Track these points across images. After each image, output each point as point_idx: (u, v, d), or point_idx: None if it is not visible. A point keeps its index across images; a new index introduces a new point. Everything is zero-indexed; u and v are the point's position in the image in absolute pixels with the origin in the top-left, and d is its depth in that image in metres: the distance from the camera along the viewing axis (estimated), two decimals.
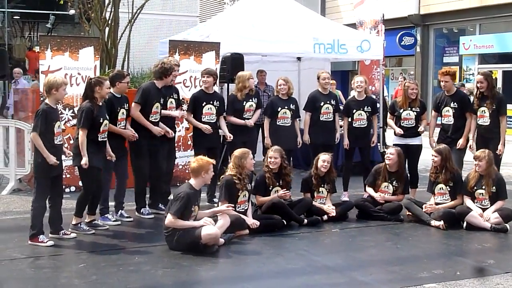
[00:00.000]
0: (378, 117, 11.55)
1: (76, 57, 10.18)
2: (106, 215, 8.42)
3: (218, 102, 9.49)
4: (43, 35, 17.23)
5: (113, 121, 8.25)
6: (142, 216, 8.82)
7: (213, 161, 7.58)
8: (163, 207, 9.07)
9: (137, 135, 8.45)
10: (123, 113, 8.42)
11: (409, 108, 9.78)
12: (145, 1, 13.14)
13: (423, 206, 8.62)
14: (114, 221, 8.42)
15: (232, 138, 9.56)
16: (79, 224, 7.93)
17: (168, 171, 9.25)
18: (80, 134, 7.68)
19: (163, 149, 8.99)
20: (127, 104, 8.55)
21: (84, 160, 7.61)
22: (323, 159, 8.84)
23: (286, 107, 9.93)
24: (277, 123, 9.93)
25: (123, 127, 8.45)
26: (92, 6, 12.60)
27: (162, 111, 8.89)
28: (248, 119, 9.75)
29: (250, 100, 9.74)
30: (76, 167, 8.04)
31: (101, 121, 7.84)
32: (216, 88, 10.47)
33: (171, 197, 7.34)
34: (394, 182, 9.04)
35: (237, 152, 8.15)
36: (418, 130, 9.70)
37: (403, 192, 9.09)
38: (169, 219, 7.04)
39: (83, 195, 7.97)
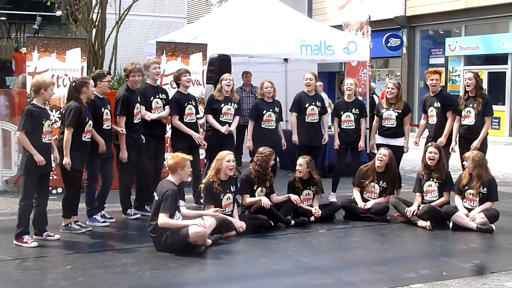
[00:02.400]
0: (366, 120, 11.58)
1: (63, 58, 10.16)
2: (94, 217, 8.40)
3: (194, 102, 9.57)
4: (30, 36, 17.12)
5: (98, 122, 8.24)
6: (128, 217, 8.81)
7: (189, 157, 7.57)
8: (149, 209, 9.05)
9: (104, 148, 8.30)
10: (107, 113, 8.39)
11: (391, 109, 9.84)
12: (132, 2, 13.12)
13: (406, 210, 8.62)
14: (102, 222, 8.40)
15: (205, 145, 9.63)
16: (69, 224, 7.95)
17: (155, 172, 9.23)
18: (65, 133, 7.69)
19: (148, 150, 8.99)
20: (109, 105, 8.53)
21: (66, 161, 7.63)
22: (298, 163, 8.91)
23: (271, 110, 9.95)
24: (262, 126, 9.94)
25: (108, 127, 8.43)
26: (79, 8, 12.58)
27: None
28: (225, 122, 9.71)
29: (229, 103, 9.75)
30: (59, 168, 8.04)
31: (87, 120, 7.86)
32: (203, 89, 10.53)
33: (155, 195, 7.31)
34: (381, 183, 9.09)
35: (218, 155, 8.18)
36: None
37: (390, 193, 9.15)
38: (162, 219, 7.02)
39: (66, 196, 8.00)
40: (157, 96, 9.18)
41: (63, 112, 7.91)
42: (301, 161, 8.90)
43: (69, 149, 7.66)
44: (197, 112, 9.61)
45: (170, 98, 9.43)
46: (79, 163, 7.81)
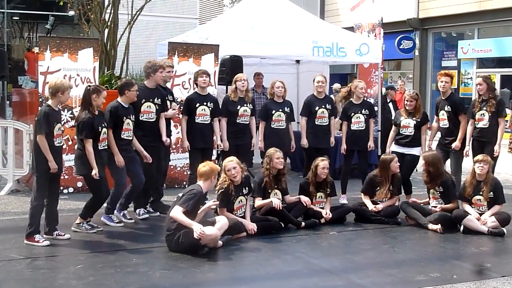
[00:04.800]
0: (376, 120, 11.55)
1: (75, 58, 10.19)
2: (110, 215, 8.39)
3: (212, 104, 9.46)
4: (42, 36, 17.22)
5: (118, 131, 8.18)
6: (137, 217, 8.77)
7: (218, 167, 7.70)
8: (152, 210, 9.04)
9: (123, 161, 8.22)
10: (128, 123, 8.28)
11: (409, 117, 9.75)
12: (144, 2, 13.15)
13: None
14: (117, 222, 8.39)
15: (222, 146, 9.64)
16: (81, 224, 7.97)
17: (162, 173, 9.23)
18: (86, 145, 7.64)
19: (158, 151, 8.95)
20: (133, 115, 8.43)
21: (94, 171, 7.61)
22: (323, 166, 8.78)
23: (280, 110, 9.96)
24: (272, 126, 9.94)
25: (129, 137, 8.34)
26: (91, 8, 12.63)
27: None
28: (241, 123, 9.74)
29: (245, 105, 9.75)
30: (82, 177, 8.05)
31: (100, 130, 7.82)
32: (214, 90, 10.53)
33: (180, 194, 7.29)
34: (390, 187, 9.07)
35: (224, 162, 8.15)
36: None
37: (396, 194, 9.15)
38: (176, 211, 7.04)
39: (92, 200, 7.96)
40: (168, 98, 9.15)
41: (76, 124, 7.86)
42: (326, 164, 8.78)
43: (94, 160, 7.63)
44: (214, 114, 9.48)
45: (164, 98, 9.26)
46: (100, 171, 7.73)
